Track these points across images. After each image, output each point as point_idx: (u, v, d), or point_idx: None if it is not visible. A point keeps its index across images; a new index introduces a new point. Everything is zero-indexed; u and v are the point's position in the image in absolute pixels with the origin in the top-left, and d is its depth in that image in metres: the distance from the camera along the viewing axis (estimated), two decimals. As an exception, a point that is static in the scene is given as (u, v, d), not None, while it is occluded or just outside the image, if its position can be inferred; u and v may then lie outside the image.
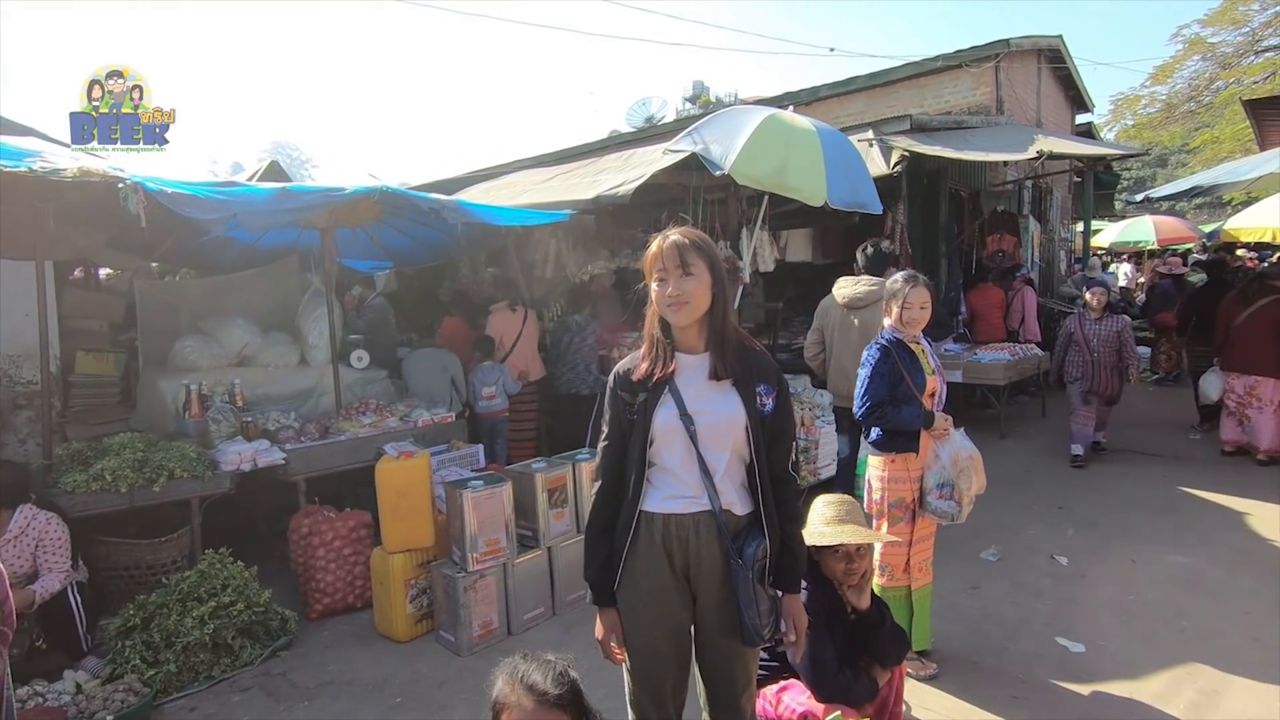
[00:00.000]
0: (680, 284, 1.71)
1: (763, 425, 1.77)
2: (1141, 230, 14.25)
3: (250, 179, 6.20)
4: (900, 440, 2.91)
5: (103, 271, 7.41)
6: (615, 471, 1.83)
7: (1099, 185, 13.30)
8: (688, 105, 15.07)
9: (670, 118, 12.80)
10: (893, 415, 2.88)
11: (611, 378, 1.85)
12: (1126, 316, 6.28)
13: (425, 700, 3.04)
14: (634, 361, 1.82)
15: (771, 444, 1.79)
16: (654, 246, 1.76)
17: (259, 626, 3.42)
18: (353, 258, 6.13)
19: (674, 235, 1.75)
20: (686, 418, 1.73)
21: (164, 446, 3.95)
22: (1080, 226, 12.67)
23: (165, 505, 3.83)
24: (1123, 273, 15.49)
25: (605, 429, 1.86)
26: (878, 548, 2.99)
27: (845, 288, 4.62)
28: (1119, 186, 18.61)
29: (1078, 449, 6.00)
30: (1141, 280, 13.58)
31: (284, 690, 3.14)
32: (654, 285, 1.75)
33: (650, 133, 11.29)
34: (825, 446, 5.04)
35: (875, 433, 2.98)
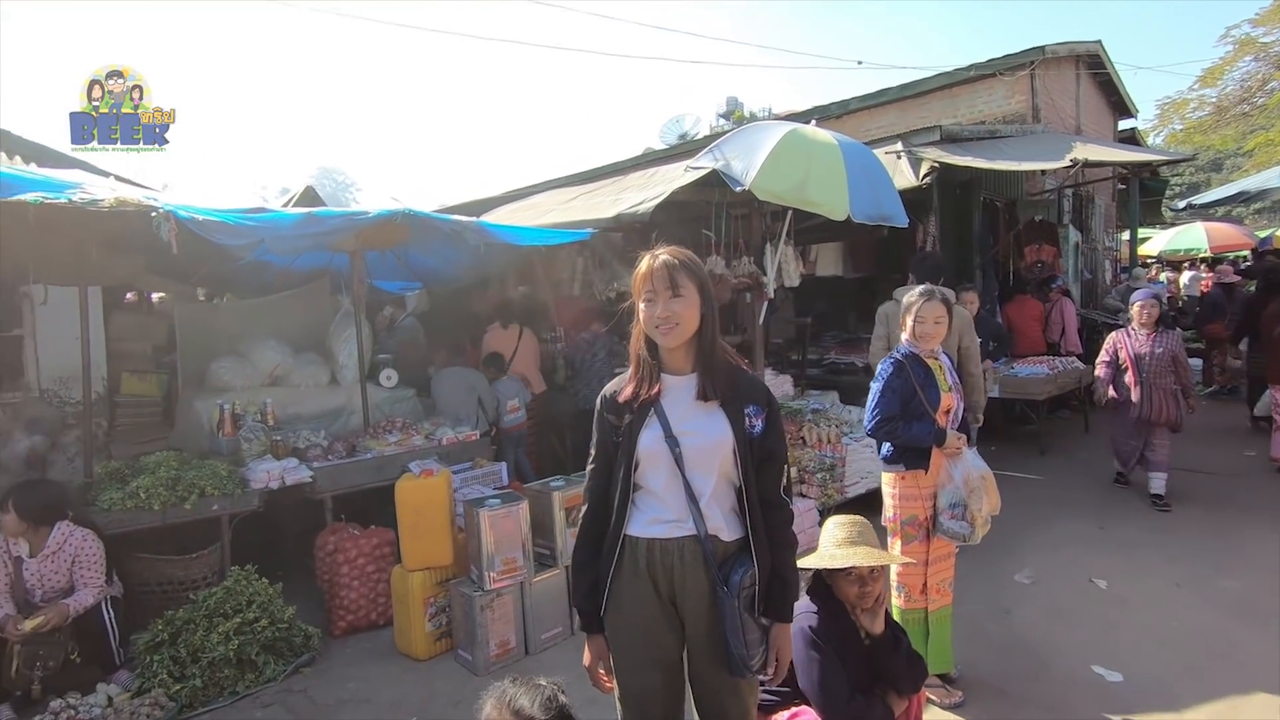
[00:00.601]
0: (669, 305, 1.68)
1: (751, 447, 1.73)
2: (1193, 237, 13.75)
3: (286, 204, 6.40)
4: (910, 456, 2.84)
5: (155, 296, 7.74)
6: (601, 495, 1.81)
7: (1146, 192, 12.86)
8: (721, 121, 15.10)
9: (704, 134, 12.83)
10: (903, 431, 2.81)
11: (599, 400, 1.83)
12: (1178, 329, 5.58)
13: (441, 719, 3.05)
14: (621, 384, 1.80)
15: (761, 467, 1.75)
16: (643, 266, 1.73)
17: (283, 643, 3.47)
18: (383, 279, 6.27)
19: (663, 255, 1.72)
20: (671, 439, 1.71)
21: (197, 465, 4.07)
22: (1126, 235, 12.27)
23: (199, 522, 3.94)
24: (1185, 279, 14.84)
25: (593, 451, 1.84)
26: (894, 569, 2.91)
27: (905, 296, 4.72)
28: (1169, 193, 17.98)
29: (1121, 466, 5.58)
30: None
31: (304, 707, 3.18)
32: (642, 305, 1.72)
33: (682, 149, 11.33)
34: (853, 464, 4.94)
35: (886, 448, 2.92)
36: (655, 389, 1.73)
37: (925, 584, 2.93)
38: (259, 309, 5.58)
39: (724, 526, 1.74)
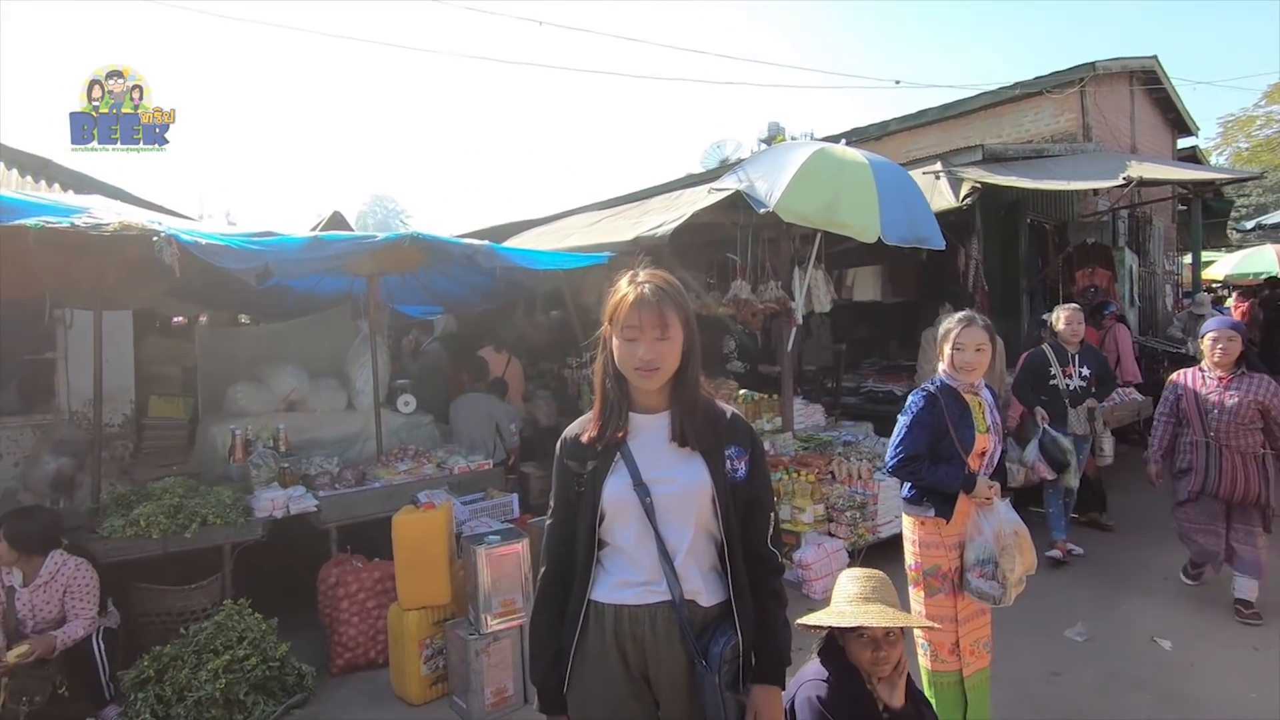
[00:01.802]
0: (655, 347, 1.46)
1: (734, 494, 1.51)
2: (1262, 260, 12.95)
3: (314, 229, 6.44)
4: (933, 501, 2.55)
5: (202, 319, 7.87)
6: (563, 553, 1.58)
7: (1209, 213, 12.19)
8: (763, 145, 14.94)
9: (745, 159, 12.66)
10: (928, 473, 2.53)
11: (559, 444, 1.61)
12: (1267, 377, 3.85)
13: (428, 774, 2.85)
14: (584, 424, 1.59)
15: (746, 517, 1.53)
16: (627, 295, 1.49)
17: (274, 682, 3.32)
18: (405, 303, 6.22)
19: (648, 285, 1.49)
20: (641, 488, 1.49)
21: (203, 492, 4.00)
22: (1189, 258, 11.62)
23: (204, 551, 3.86)
24: None
25: (552, 503, 1.62)
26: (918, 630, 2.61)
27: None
28: (1235, 214, 17.07)
29: (1197, 571, 4.19)
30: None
31: (288, 753, 3.02)
32: (619, 341, 1.49)
33: (719, 173, 11.19)
34: (885, 502, 4.62)
35: (907, 488, 2.65)
36: (622, 431, 1.52)
37: (957, 643, 2.61)
38: (279, 333, 5.58)
39: (703, 589, 1.51)
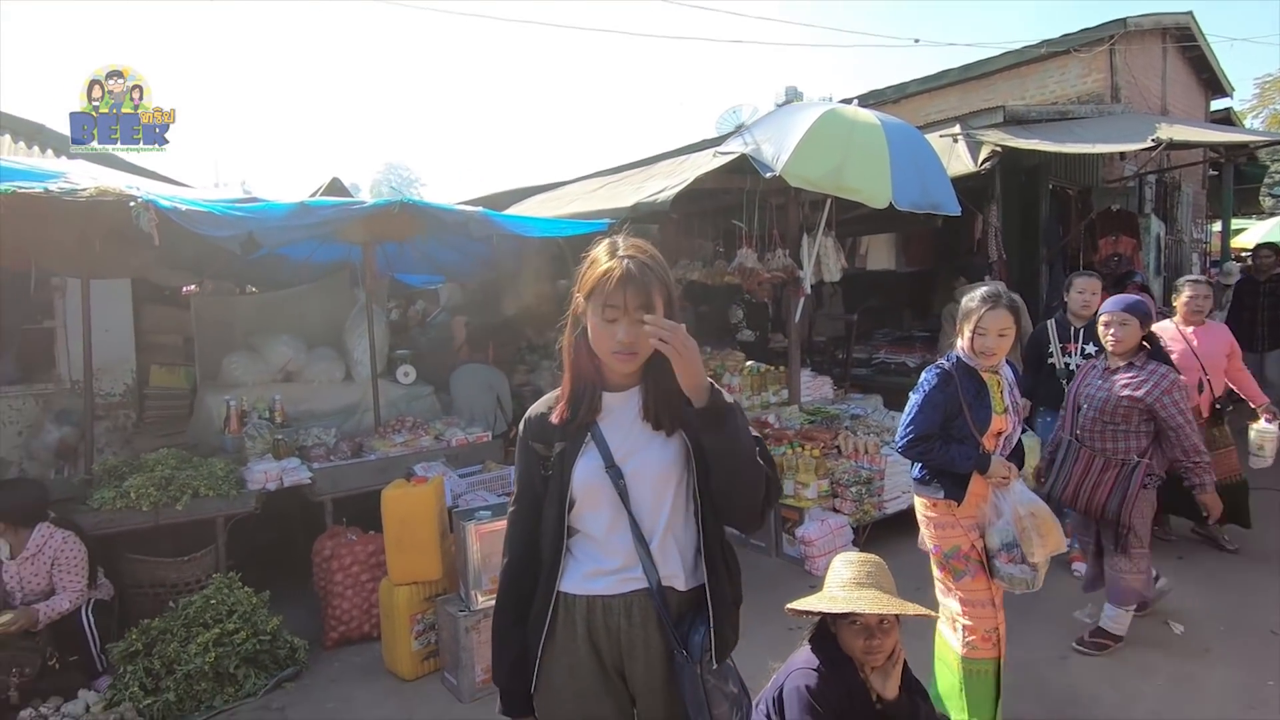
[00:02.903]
0: (635, 330, 1.32)
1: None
2: (1295, 228, 12.50)
3: (313, 195, 6.32)
4: (944, 483, 2.42)
5: (209, 287, 7.76)
6: (527, 543, 1.47)
7: (1241, 179, 11.73)
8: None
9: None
10: (939, 453, 2.39)
11: (522, 424, 1.49)
12: (1167, 369, 3.13)
13: (416, 751, 2.81)
14: (550, 403, 1.47)
15: None
16: (611, 269, 1.33)
17: (266, 655, 3.30)
18: (405, 272, 6.12)
19: (633, 260, 1.34)
20: (614, 470, 1.38)
21: (196, 464, 3.96)
22: (1218, 226, 11.21)
23: (198, 523, 3.83)
24: None
25: (515, 490, 1.51)
26: (957, 608, 2.48)
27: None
28: (1269, 180, 16.45)
29: (1114, 613, 3.27)
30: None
31: (276, 728, 3.00)
32: (595, 320, 1.35)
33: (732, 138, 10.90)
34: (892, 478, 4.49)
35: (918, 469, 2.51)
36: (595, 411, 1.41)
37: (997, 628, 2.45)
38: (275, 303, 5.50)
39: (680, 573, 1.41)
